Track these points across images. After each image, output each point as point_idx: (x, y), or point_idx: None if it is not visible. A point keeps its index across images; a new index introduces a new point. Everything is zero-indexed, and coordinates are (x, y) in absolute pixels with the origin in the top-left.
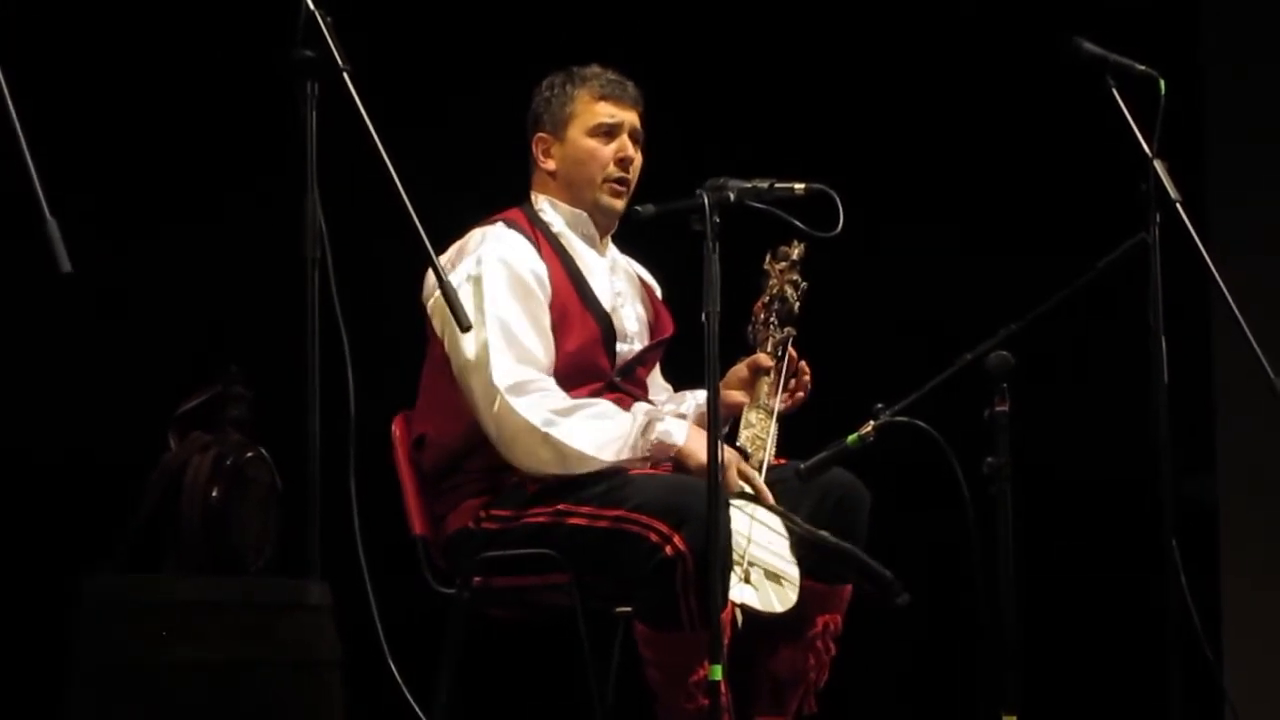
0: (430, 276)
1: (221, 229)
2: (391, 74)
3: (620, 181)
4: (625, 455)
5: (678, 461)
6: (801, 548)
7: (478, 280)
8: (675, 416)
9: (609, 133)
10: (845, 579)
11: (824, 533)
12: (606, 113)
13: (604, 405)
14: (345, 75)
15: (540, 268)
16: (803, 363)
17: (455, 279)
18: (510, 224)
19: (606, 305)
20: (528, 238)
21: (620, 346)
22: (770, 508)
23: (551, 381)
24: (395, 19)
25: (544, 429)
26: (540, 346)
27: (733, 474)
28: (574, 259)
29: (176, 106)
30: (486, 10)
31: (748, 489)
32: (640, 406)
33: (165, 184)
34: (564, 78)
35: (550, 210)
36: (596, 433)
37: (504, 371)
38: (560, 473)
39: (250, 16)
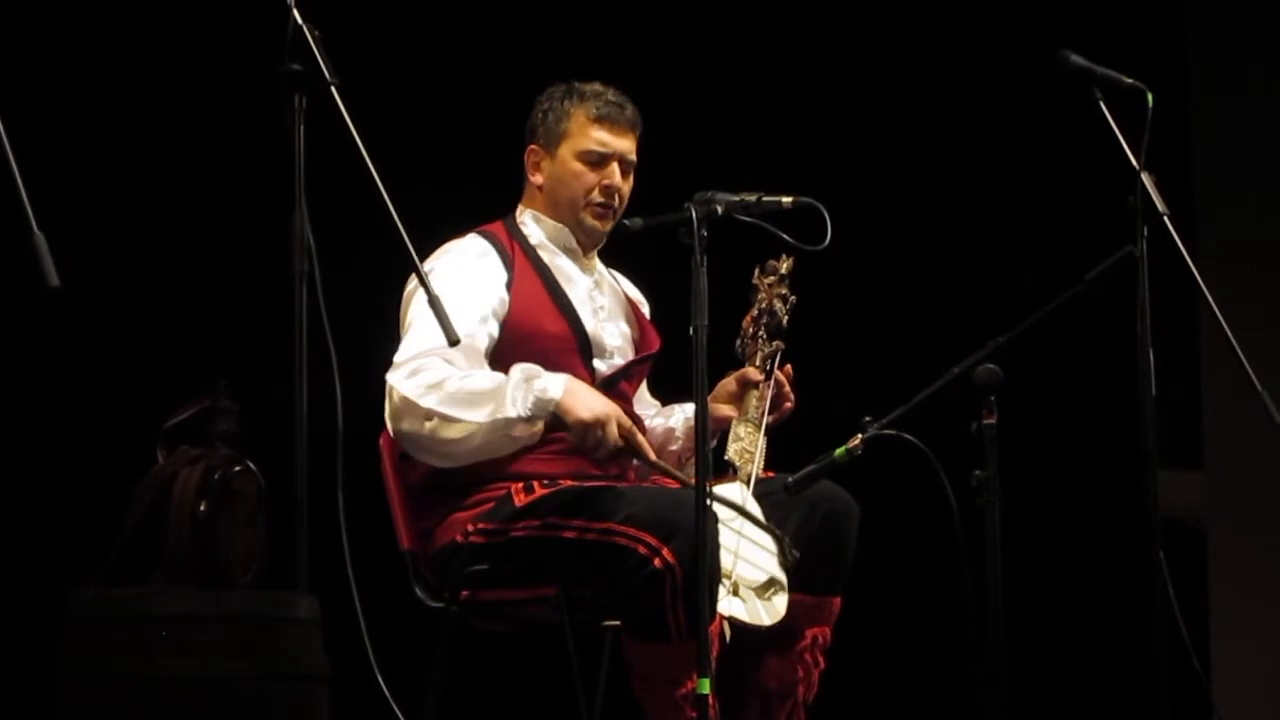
0: (408, 285)
1: (209, 243)
2: (380, 86)
3: (603, 207)
4: (507, 413)
5: (557, 418)
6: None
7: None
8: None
9: (599, 161)
10: (835, 591)
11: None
12: (599, 140)
13: (484, 373)
14: (333, 89)
15: (498, 275)
16: (779, 374)
17: (410, 288)
18: (484, 235)
19: (585, 318)
20: (499, 249)
21: (599, 363)
22: (654, 464)
23: (439, 360)
24: (386, 30)
25: (421, 402)
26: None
27: (612, 428)
28: (551, 272)
29: (165, 120)
30: (479, 22)
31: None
32: (518, 365)
33: (153, 197)
34: (564, 92)
35: (532, 224)
36: (472, 396)
37: (399, 364)
38: (451, 448)
39: (239, 30)
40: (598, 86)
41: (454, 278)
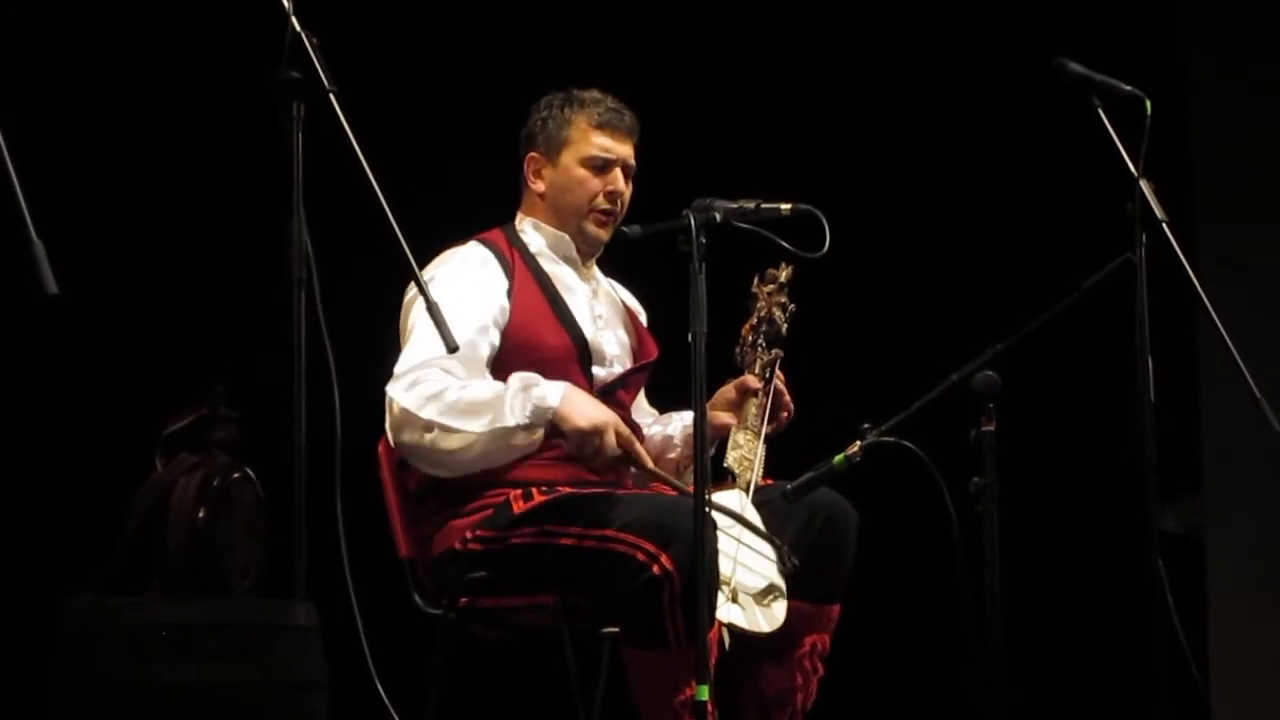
0: (408, 293)
1: (208, 250)
2: (378, 96)
3: (606, 213)
4: (506, 422)
5: (555, 425)
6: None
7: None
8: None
9: (602, 167)
10: (833, 598)
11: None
12: (601, 146)
13: (482, 382)
14: (331, 96)
15: (499, 283)
16: (777, 384)
17: (409, 296)
18: (484, 243)
19: (584, 325)
20: (500, 257)
21: (598, 370)
22: (651, 472)
23: (439, 371)
24: (381, 38)
25: (420, 413)
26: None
27: (610, 436)
28: (550, 280)
29: (164, 128)
30: (475, 29)
31: (618, 452)
32: (516, 373)
33: (152, 205)
34: (563, 100)
35: (532, 232)
36: (471, 406)
37: (400, 376)
38: (451, 459)
39: (238, 37)
40: (596, 94)
41: (455, 286)
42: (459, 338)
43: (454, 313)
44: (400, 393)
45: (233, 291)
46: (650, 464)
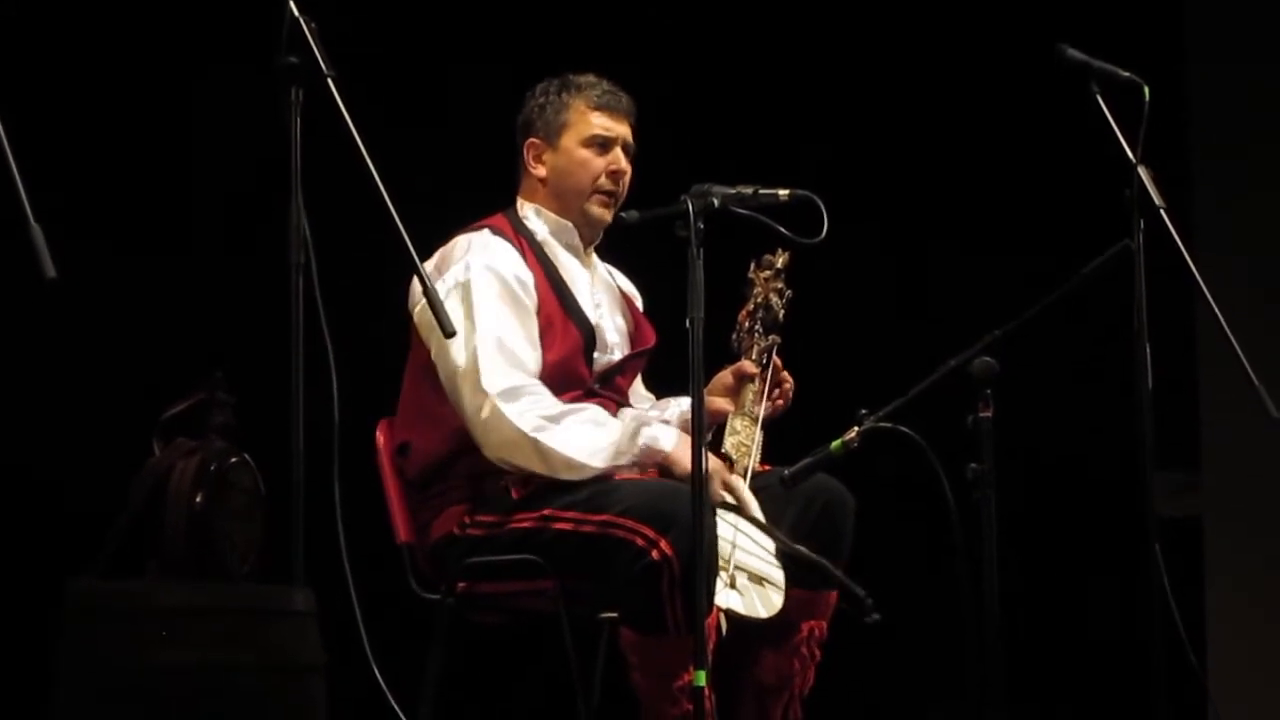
0: (415, 284)
1: (206, 235)
2: (376, 79)
3: (610, 194)
4: (617, 461)
5: (664, 467)
6: (781, 559)
7: (466, 287)
8: (661, 422)
9: (603, 145)
10: (830, 585)
11: (801, 547)
12: (602, 125)
13: (594, 411)
14: (329, 81)
15: (527, 276)
16: (784, 372)
17: (442, 286)
18: (495, 231)
19: (590, 314)
20: (513, 245)
21: (599, 356)
22: (753, 520)
23: (542, 387)
24: (379, 23)
25: (534, 435)
26: (530, 353)
27: (716, 484)
28: (557, 268)
29: (162, 112)
30: (474, 15)
31: (730, 499)
32: (627, 412)
33: (150, 190)
34: (559, 85)
35: (535, 218)
36: (586, 439)
37: (495, 378)
38: (556, 475)
39: (236, 22)
40: (591, 78)
41: (506, 288)
42: (518, 353)
43: (507, 327)
44: (506, 404)
45: (231, 277)
46: (755, 510)
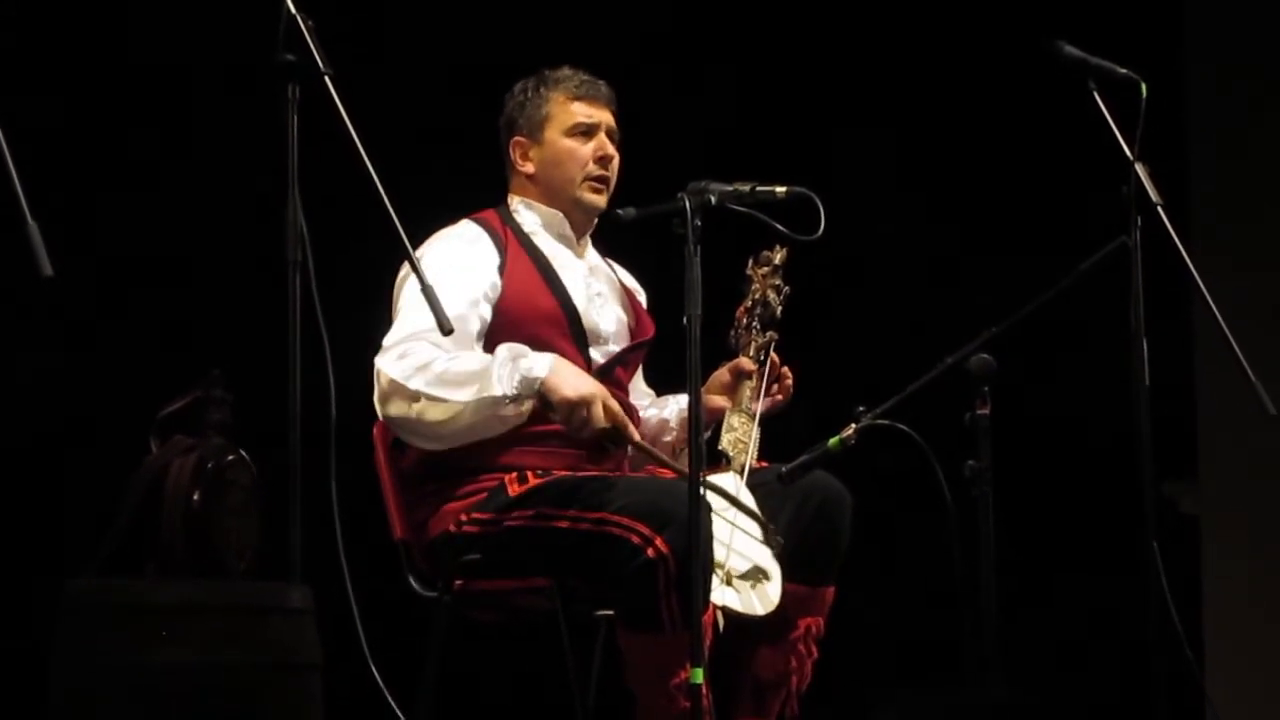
0: (403, 270)
1: (204, 232)
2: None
3: (600, 179)
4: (493, 392)
5: (543, 396)
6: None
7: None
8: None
9: (586, 132)
10: (828, 581)
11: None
12: (583, 113)
13: (470, 354)
14: (327, 79)
15: (490, 259)
16: (785, 368)
17: (402, 274)
18: (476, 221)
19: (580, 304)
20: (492, 234)
21: (594, 350)
22: (640, 447)
23: (426, 344)
24: (376, 21)
25: (407, 383)
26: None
27: (597, 408)
28: (545, 257)
29: (159, 109)
30: (466, 14)
31: (603, 424)
32: (504, 344)
33: (147, 186)
34: (536, 81)
35: (525, 211)
36: (458, 376)
37: (387, 348)
38: (437, 430)
39: (233, 19)
40: (567, 70)
41: (444, 262)
42: (449, 312)
43: (444, 287)
44: (388, 364)
45: (228, 274)
46: (638, 437)
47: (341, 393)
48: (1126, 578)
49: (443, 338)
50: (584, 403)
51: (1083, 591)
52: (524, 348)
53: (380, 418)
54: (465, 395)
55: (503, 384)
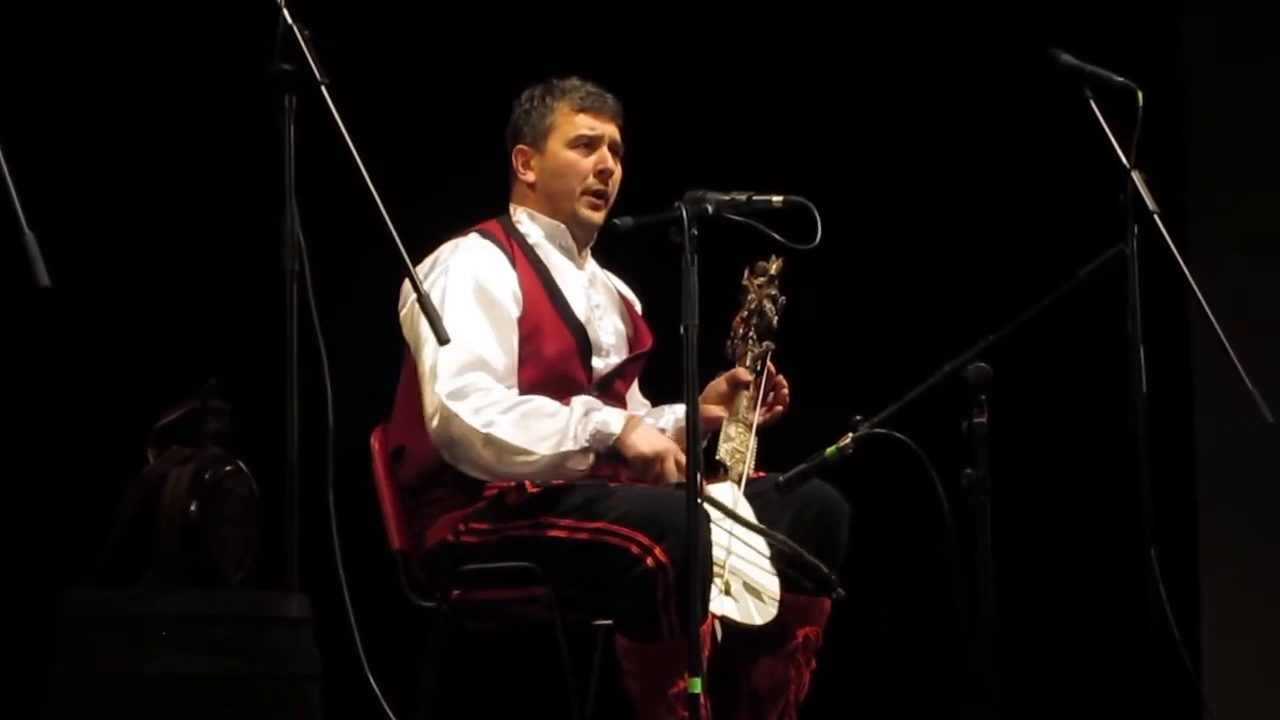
0: (406, 288)
1: (200, 242)
2: (370, 85)
3: (599, 194)
4: (566, 447)
5: (616, 451)
6: (777, 565)
7: (441, 290)
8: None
9: (589, 145)
10: (826, 591)
11: (784, 538)
12: (586, 125)
13: (540, 400)
14: (323, 88)
15: (510, 278)
16: (780, 377)
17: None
18: (484, 234)
19: (582, 317)
20: (502, 249)
21: (596, 361)
22: (712, 502)
23: (492, 382)
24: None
25: (482, 429)
26: (497, 355)
27: (670, 464)
28: (549, 271)
29: (156, 119)
30: (465, 21)
31: (680, 478)
32: (578, 398)
33: (145, 197)
34: (543, 90)
35: (528, 222)
36: (534, 426)
37: (445, 382)
38: (506, 473)
39: (229, 30)
40: (575, 80)
41: (477, 286)
42: (502, 345)
43: (485, 315)
44: (454, 401)
45: (225, 284)
46: (708, 490)
47: (339, 402)
48: (1125, 584)
49: (498, 367)
50: (658, 458)
51: (1081, 598)
52: (597, 402)
53: (441, 451)
54: (542, 449)
55: (577, 439)
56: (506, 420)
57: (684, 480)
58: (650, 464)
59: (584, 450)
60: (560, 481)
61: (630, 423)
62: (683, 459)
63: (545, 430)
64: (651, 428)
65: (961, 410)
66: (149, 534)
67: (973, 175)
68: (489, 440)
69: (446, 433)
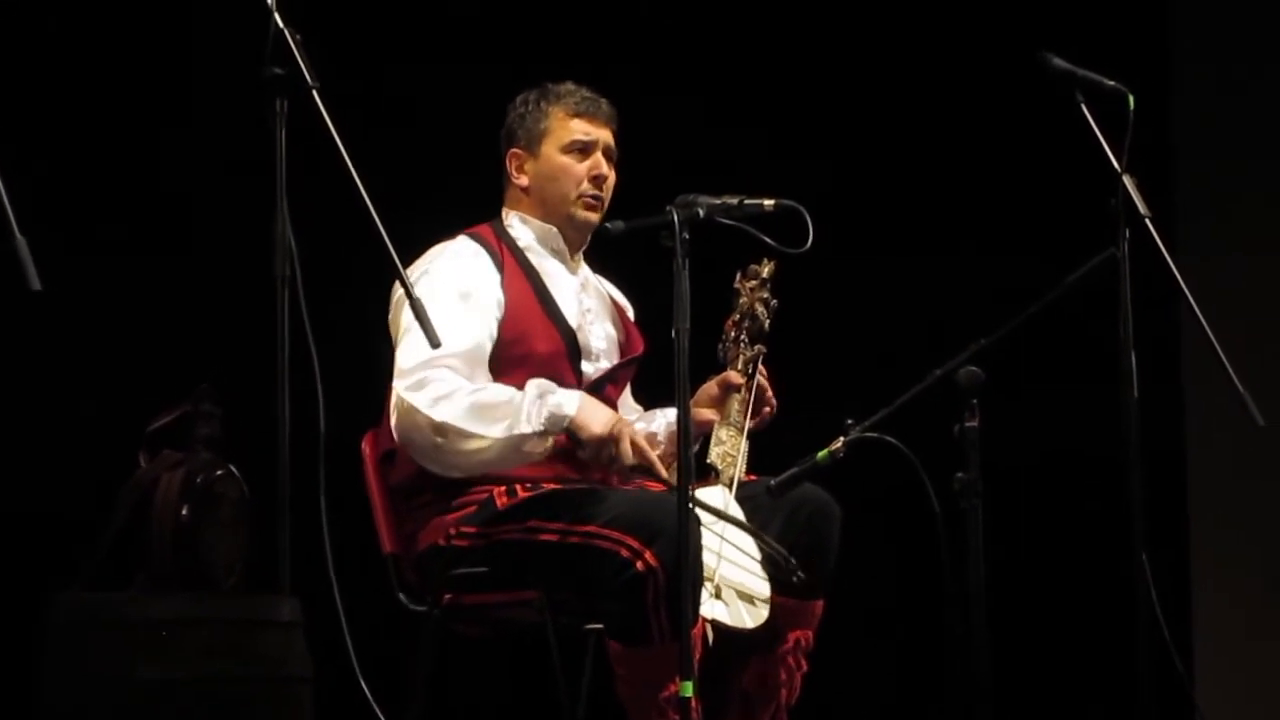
0: (396, 290)
1: (192, 246)
2: (361, 90)
3: (594, 198)
4: (521, 429)
5: (571, 433)
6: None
7: (422, 293)
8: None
9: (583, 150)
10: (817, 594)
11: (739, 518)
12: (581, 130)
13: (496, 387)
14: (314, 92)
15: (494, 280)
16: (761, 380)
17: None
18: (473, 237)
19: (572, 320)
20: (490, 251)
21: (586, 366)
22: (666, 481)
23: (452, 374)
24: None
25: (436, 418)
26: (465, 343)
27: (625, 445)
28: (539, 274)
29: (147, 123)
30: (459, 23)
31: (631, 459)
32: (533, 380)
33: (136, 202)
34: (538, 94)
35: (519, 225)
36: (488, 411)
37: (408, 374)
38: (462, 462)
39: (220, 34)
40: (570, 85)
41: (454, 283)
42: (466, 338)
43: (456, 311)
44: (410, 393)
45: (217, 288)
46: (665, 474)
47: (330, 407)
48: (1116, 588)
49: (458, 363)
50: (613, 439)
51: (1072, 602)
52: (550, 384)
53: (398, 441)
54: (495, 431)
55: (531, 421)
56: (458, 407)
57: (638, 464)
58: (604, 445)
59: (540, 433)
60: (552, 485)
61: (584, 403)
62: (640, 440)
63: (498, 414)
64: (605, 407)
65: (953, 414)
66: (141, 538)
67: (964, 179)
68: (441, 427)
69: (403, 425)
